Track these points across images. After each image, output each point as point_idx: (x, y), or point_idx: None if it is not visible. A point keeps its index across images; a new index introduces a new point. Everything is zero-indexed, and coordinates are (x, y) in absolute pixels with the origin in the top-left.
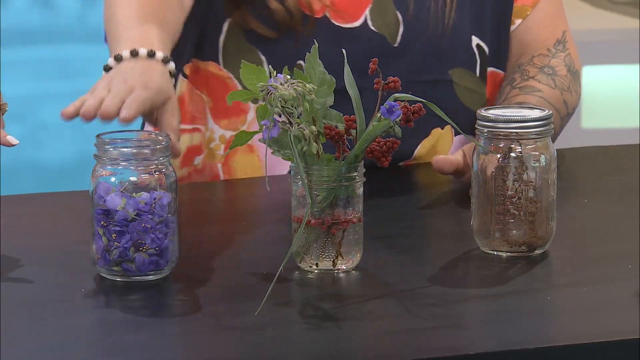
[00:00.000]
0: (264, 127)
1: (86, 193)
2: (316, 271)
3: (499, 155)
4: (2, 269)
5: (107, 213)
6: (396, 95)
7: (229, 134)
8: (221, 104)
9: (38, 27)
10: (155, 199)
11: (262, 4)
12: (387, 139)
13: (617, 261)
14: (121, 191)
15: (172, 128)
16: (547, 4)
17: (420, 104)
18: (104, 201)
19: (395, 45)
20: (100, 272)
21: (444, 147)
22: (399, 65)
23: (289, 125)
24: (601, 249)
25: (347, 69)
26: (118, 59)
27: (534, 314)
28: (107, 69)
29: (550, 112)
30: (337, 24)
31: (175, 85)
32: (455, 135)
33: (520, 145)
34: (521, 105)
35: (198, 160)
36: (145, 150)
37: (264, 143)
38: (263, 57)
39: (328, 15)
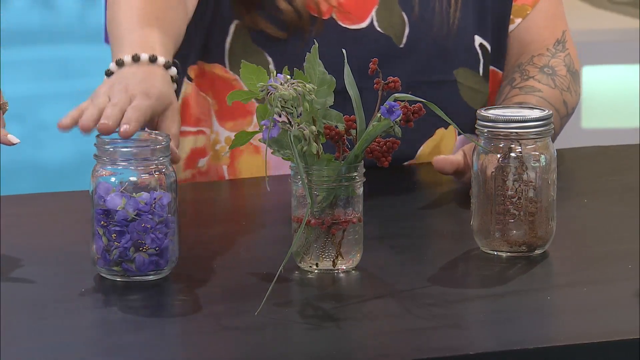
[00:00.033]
0: (264, 127)
1: (86, 193)
2: (316, 271)
3: (499, 155)
4: (2, 269)
5: (107, 213)
6: (396, 95)
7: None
8: (227, 106)
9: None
10: (155, 199)
11: (272, 5)
12: (387, 139)
13: (617, 261)
14: (121, 191)
15: (172, 134)
16: (546, 4)
17: (420, 104)
18: (104, 201)
19: (401, 46)
20: (100, 272)
21: (447, 147)
22: (405, 66)
23: (289, 125)
24: (601, 249)
25: (347, 69)
26: (120, 63)
27: (534, 314)
28: (109, 73)
29: (550, 112)
30: (343, 25)
31: (178, 89)
32: (459, 135)
33: (520, 145)
34: (521, 105)
35: (202, 162)
36: (145, 150)
37: (264, 143)
38: (270, 59)
39: (335, 16)
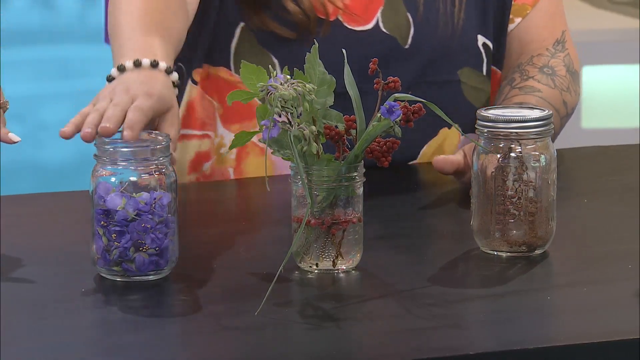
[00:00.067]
0: (264, 127)
1: (86, 193)
2: (316, 271)
3: (499, 155)
4: (2, 269)
5: (107, 213)
6: (396, 95)
7: None
8: (233, 108)
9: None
10: (155, 199)
11: (279, 6)
12: (387, 139)
13: (617, 261)
14: (121, 191)
15: (170, 138)
16: (546, 4)
17: (420, 104)
18: (104, 201)
19: (406, 47)
20: (100, 272)
21: (450, 147)
22: (409, 67)
23: (289, 125)
24: (601, 249)
25: (347, 69)
26: (121, 69)
27: (534, 314)
28: (110, 79)
29: (550, 112)
30: (349, 27)
31: (181, 94)
32: (462, 135)
33: (520, 145)
34: (521, 105)
35: (207, 166)
36: (145, 151)
37: (264, 143)
38: (276, 61)
39: (340, 18)
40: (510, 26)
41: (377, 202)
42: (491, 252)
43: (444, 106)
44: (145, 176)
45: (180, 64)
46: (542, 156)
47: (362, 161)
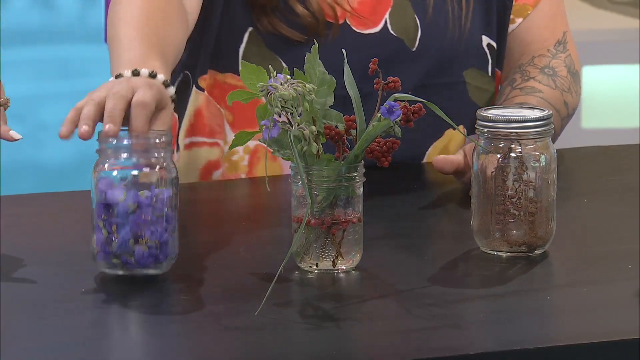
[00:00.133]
0: (264, 127)
1: (86, 193)
2: (316, 271)
3: (499, 155)
4: (3, 269)
5: (108, 207)
6: (396, 95)
7: (253, 143)
8: (243, 114)
9: (38, 27)
10: (156, 193)
11: (289, 9)
12: (387, 139)
13: (617, 261)
14: (123, 185)
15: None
16: (547, 4)
17: (420, 104)
18: (105, 195)
19: (414, 49)
20: (99, 266)
21: (455, 148)
22: (417, 69)
23: (289, 125)
24: (601, 249)
25: (347, 69)
26: (119, 77)
27: (534, 314)
28: None
29: (550, 112)
30: (357, 30)
31: (186, 102)
32: (463, 135)
33: (520, 145)
34: (521, 105)
35: (217, 174)
36: (147, 145)
37: (264, 143)
38: (285, 65)
39: (348, 21)
40: (511, 26)
41: (377, 202)
42: (491, 252)
43: (450, 107)
44: (147, 170)
45: (187, 72)
46: (542, 156)
47: (362, 161)
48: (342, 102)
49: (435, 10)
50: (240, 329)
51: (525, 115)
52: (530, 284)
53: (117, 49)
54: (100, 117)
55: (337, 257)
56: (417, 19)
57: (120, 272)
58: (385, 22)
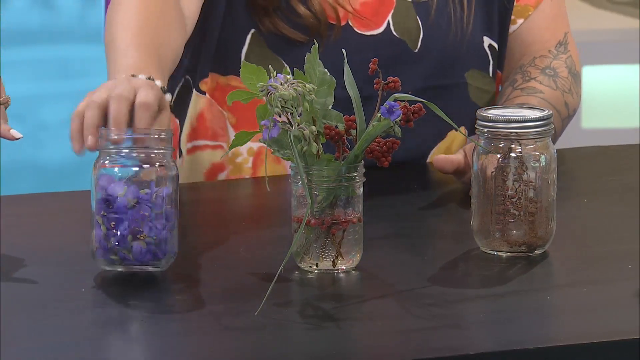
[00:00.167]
0: (264, 127)
1: (86, 193)
2: (316, 271)
3: (499, 155)
4: (3, 269)
5: (108, 203)
6: (396, 95)
7: (257, 145)
8: (246, 116)
9: (38, 27)
10: (155, 190)
11: (290, 9)
12: (387, 139)
13: (617, 261)
14: (123, 182)
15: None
16: (549, 5)
17: (420, 104)
18: (106, 190)
19: (416, 50)
20: (98, 263)
21: (458, 150)
22: (419, 70)
23: (289, 125)
24: (601, 249)
25: (346, 69)
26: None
27: (534, 314)
28: None
29: (550, 112)
30: (360, 32)
31: (187, 107)
32: (463, 134)
33: (520, 145)
34: (521, 105)
35: (221, 177)
36: (147, 142)
37: (264, 143)
38: (287, 66)
39: (351, 23)
40: (512, 27)
41: (377, 202)
42: (491, 252)
43: (453, 108)
44: (147, 167)
45: (188, 77)
46: (542, 156)
47: (362, 161)
48: (345, 104)
49: (438, 12)
50: (240, 329)
51: (525, 115)
52: (530, 284)
53: (114, 54)
54: (103, 120)
55: (337, 257)
56: (419, 20)
57: (120, 269)
58: (388, 23)
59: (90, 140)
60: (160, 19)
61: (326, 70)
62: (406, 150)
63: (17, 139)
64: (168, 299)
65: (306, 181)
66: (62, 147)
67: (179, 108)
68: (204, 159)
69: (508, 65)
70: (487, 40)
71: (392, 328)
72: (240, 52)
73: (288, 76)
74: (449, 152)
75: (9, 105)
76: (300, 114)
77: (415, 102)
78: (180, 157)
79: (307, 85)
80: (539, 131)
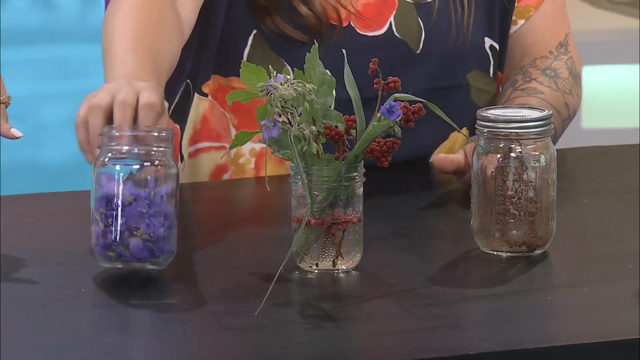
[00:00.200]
0: (264, 127)
1: (86, 193)
2: (316, 271)
3: (499, 155)
4: (3, 269)
5: (107, 200)
6: (396, 95)
7: (258, 146)
8: (248, 117)
9: (38, 27)
10: (155, 188)
11: (292, 10)
12: (387, 139)
13: (617, 261)
14: (122, 180)
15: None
16: (550, 6)
17: (420, 104)
18: (105, 187)
19: (418, 51)
20: (97, 260)
21: None
22: (421, 71)
23: (289, 125)
24: (601, 249)
25: (347, 69)
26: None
27: (534, 314)
28: None
29: (550, 112)
30: (361, 33)
31: (188, 111)
32: (464, 135)
33: (520, 145)
34: (521, 105)
35: (225, 177)
36: (148, 141)
37: (264, 143)
38: (288, 67)
39: (353, 24)
40: (513, 28)
41: (377, 202)
42: (491, 252)
43: (455, 109)
44: (147, 165)
45: (188, 81)
46: (542, 156)
47: (362, 161)
48: (346, 104)
49: (439, 13)
50: (240, 329)
51: (525, 116)
52: (530, 284)
53: (111, 61)
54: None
55: (337, 257)
56: (420, 21)
57: (118, 265)
58: (390, 24)
59: (98, 152)
60: (157, 24)
61: (326, 70)
62: (409, 151)
63: (17, 137)
64: (168, 298)
65: (306, 181)
66: (62, 147)
67: (180, 112)
68: (208, 160)
69: (509, 65)
70: (488, 41)
71: (392, 328)
72: (242, 53)
73: (288, 76)
74: (451, 152)
75: (9, 104)
76: (300, 114)
77: (416, 102)
78: (181, 161)
79: (307, 85)
80: (539, 131)
